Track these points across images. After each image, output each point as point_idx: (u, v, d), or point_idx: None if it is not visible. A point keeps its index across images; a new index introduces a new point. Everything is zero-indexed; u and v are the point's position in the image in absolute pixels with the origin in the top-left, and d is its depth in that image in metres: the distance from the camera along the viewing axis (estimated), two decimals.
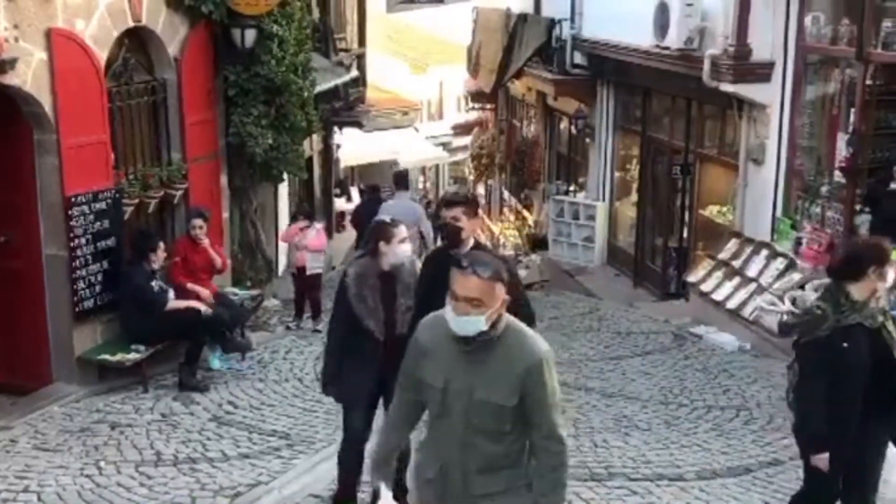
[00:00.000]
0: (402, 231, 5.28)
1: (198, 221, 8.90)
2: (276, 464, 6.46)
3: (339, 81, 15.60)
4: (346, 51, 18.10)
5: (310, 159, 16.93)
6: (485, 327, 3.35)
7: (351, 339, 5.27)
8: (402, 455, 4.46)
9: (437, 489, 3.54)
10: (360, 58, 19.53)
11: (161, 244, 8.44)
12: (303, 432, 7.19)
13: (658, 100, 14.02)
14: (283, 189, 14.06)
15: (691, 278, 11.89)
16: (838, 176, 9.69)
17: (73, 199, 7.81)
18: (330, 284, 15.07)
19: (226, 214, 10.50)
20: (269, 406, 7.84)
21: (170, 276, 8.75)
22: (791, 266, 10.23)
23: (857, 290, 4.47)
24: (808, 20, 10.21)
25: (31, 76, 7.29)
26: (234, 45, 9.88)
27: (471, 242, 5.01)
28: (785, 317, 9.08)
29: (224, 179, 10.40)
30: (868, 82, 9.32)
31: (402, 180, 12.29)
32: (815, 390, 4.46)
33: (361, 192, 29.11)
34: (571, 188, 17.66)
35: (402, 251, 5.28)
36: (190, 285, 8.72)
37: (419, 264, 5.49)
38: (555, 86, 15.93)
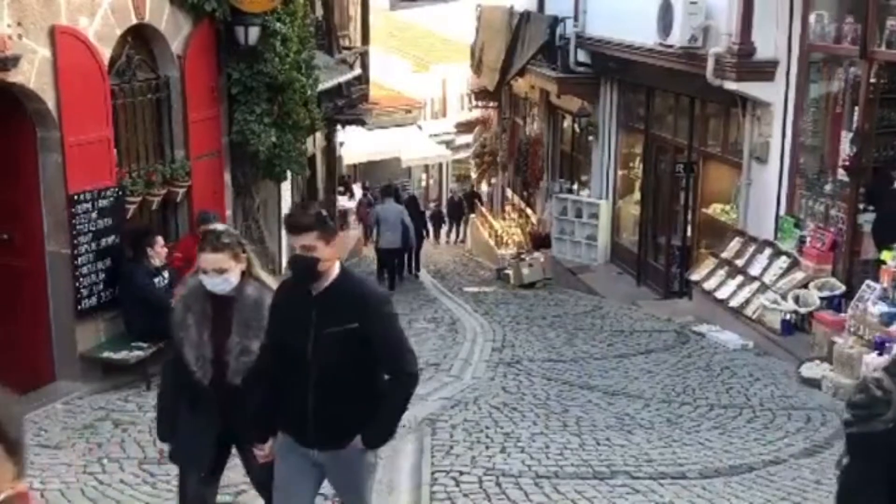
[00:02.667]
0: (214, 258, 4.06)
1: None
2: None
3: (342, 79, 15.60)
4: (349, 48, 18.10)
5: (312, 157, 16.92)
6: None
7: (184, 378, 4.22)
8: None
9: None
10: (364, 55, 19.51)
11: (160, 239, 8.41)
12: None
13: (661, 98, 14.01)
14: (286, 187, 14.05)
15: (694, 277, 11.88)
16: (842, 174, 9.67)
17: (76, 197, 7.82)
18: None
19: (229, 212, 10.51)
20: None
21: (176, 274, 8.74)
22: (794, 265, 10.22)
23: None
24: (811, 18, 10.19)
25: (34, 73, 7.30)
26: (238, 42, 9.88)
27: (334, 272, 3.76)
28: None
29: (227, 177, 10.40)
30: (872, 81, 9.31)
31: (389, 191, 17.26)
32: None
33: (365, 189, 29.20)
34: (574, 186, 17.65)
35: (213, 281, 4.09)
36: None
37: (268, 299, 4.13)
38: (558, 84, 15.92)
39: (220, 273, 4.06)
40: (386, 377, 3.80)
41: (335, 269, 3.78)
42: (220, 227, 4.29)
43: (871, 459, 2.88)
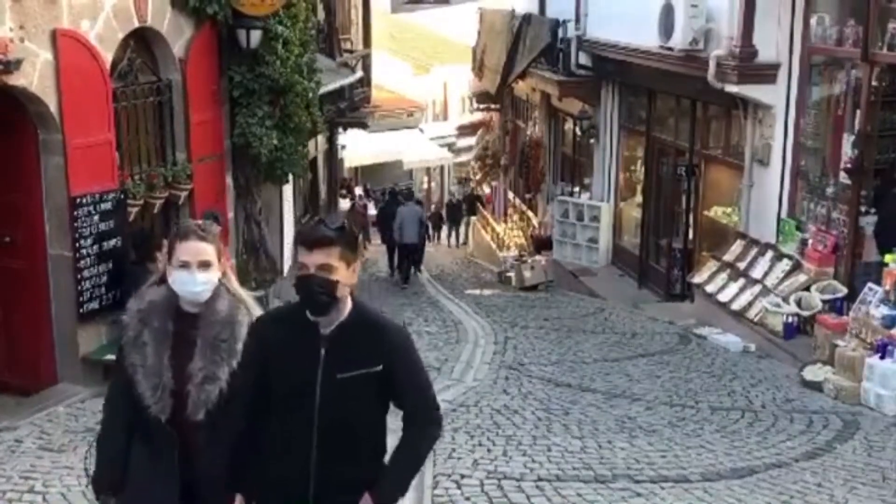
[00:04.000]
0: (199, 247, 3.37)
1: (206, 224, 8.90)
2: None
3: (343, 82, 15.61)
4: (350, 51, 18.12)
5: (314, 160, 16.94)
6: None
7: (137, 414, 3.40)
8: None
9: None
10: (365, 58, 19.54)
11: (165, 241, 8.40)
12: None
13: (663, 101, 14.01)
14: (288, 189, 14.06)
15: (696, 279, 11.88)
16: (843, 177, 9.67)
17: (78, 200, 7.81)
18: None
19: (231, 215, 10.51)
20: None
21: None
22: (796, 267, 10.21)
23: None
24: (813, 21, 10.20)
25: (36, 77, 7.30)
26: (240, 45, 9.89)
27: (348, 304, 3.15)
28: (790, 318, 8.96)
29: (229, 180, 10.41)
30: (873, 83, 9.31)
31: (409, 195, 20.74)
32: None
33: (366, 192, 29.23)
34: (576, 189, 17.65)
35: (194, 278, 3.35)
36: None
37: (246, 317, 3.43)
38: (559, 86, 15.94)
39: (205, 268, 3.35)
40: (403, 423, 3.21)
41: (348, 303, 3.16)
42: (206, 222, 3.67)
43: None
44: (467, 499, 5.55)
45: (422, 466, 3.43)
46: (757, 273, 10.71)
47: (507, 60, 17.71)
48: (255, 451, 3.20)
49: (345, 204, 23.29)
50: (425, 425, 3.22)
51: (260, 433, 3.20)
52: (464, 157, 34.75)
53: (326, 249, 3.04)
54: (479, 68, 21.32)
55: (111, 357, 8.04)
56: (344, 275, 3.07)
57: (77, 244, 7.86)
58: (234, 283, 3.53)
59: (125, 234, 8.40)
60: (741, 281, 10.90)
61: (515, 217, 21.74)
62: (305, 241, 3.08)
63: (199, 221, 3.60)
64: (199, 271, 3.35)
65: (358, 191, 28.85)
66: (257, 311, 3.48)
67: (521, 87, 20.09)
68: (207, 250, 3.38)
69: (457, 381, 8.48)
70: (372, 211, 24.68)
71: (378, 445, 3.22)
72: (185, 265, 3.35)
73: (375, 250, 21.83)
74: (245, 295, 3.53)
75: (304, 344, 3.12)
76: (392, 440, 3.24)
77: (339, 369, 3.09)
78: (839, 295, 9.55)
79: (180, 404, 3.34)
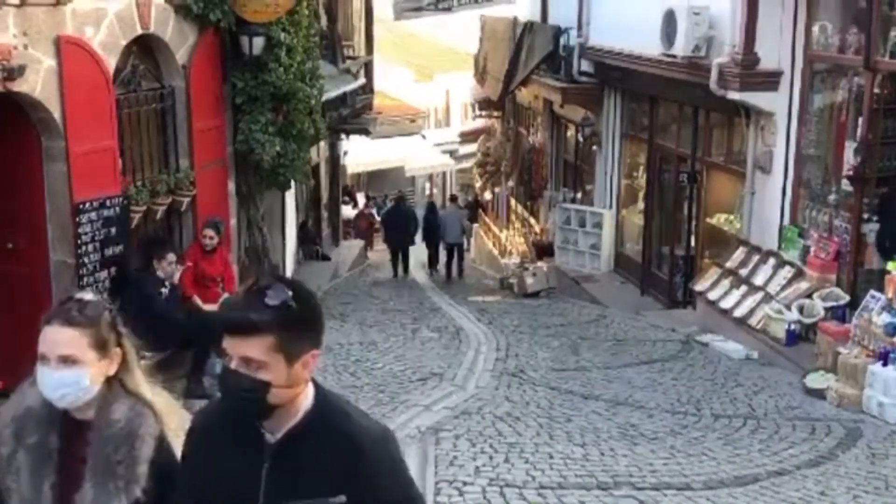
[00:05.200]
0: (62, 336, 2.49)
1: (208, 232, 8.94)
2: None
3: (346, 89, 15.65)
4: (353, 58, 18.16)
5: (317, 166, 16.99)
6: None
7: None
8: None
9: None
10: (368, 65, 19.57)
11: (171, 256, 8.36)
12: None
13: (665, 108, 14.02)
14: (290, 196, 14.09)
15: (698, 286, 11.87)
16: (845, 184, 9.67)
17: (80, 206, 7.83)
18: (337, 293, 15.12)
19: (233, 221, 10.53)
20: None
21: (180, 284, 8.76)
22: (798, 275, 10.21)
23: None
24: (815, 29, 10.20)
25: (39, 83, 7.32)
26: (242, 52, 9.92)
27: (304, 403, 2.25)
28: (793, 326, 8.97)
29: (231, 186, 10.43)
30: (875, 91, 9.31)
31: (455, 198, 23.92)
32: None
33: (368, 198, 29.24)
34: (578, 195, 17.66)
35: (51, 378, 2.49)
36: (196, 299, 8.72)
37: (153, 428, 2.53)
38: (561, 93, 15.94)
39: (69, 365, 2.46)
40: None
41: (304, 399, 2.23)
42: (88, 296, 2.64)
43: None
44: None
45: None
46: (759, 280, 10.70)
47: (509, 67, 17.73)
48: None
49: (347, 210, 23.33)
50: None
51: None
52: (466, 164, 34.78)
53: (253, 339, 2.13)
54: (481, 75, 21.34)
55: None
56: (279, 373, 2.14)
57: (79, 251, 7.87)
58: (138, 381, 2.61)
59: (128, 241, 8.42)
60: (743, 288, 10.89)
61: (517, 224, 21.74)
62: (225, 324, 2.20)
63: (85, 295, 2.63)
64: (58, 369, 2.47)
65: (360, 198, 28.87)
66: (173, 420, 2.59)
67: (524, 94, 20.11)
68: (74, 341, 2.48)
69: (459, 388, 8.47)
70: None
71: None
72: (41, 359, 2.49)
73: (380, 256, 21.91)
74: (154, 397, 2.61)
75: (240, 458, 2.23)
76: None
77: (285, 495, 2.19)
78: (841, 302, 9.54)
79: None
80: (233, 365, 2.15)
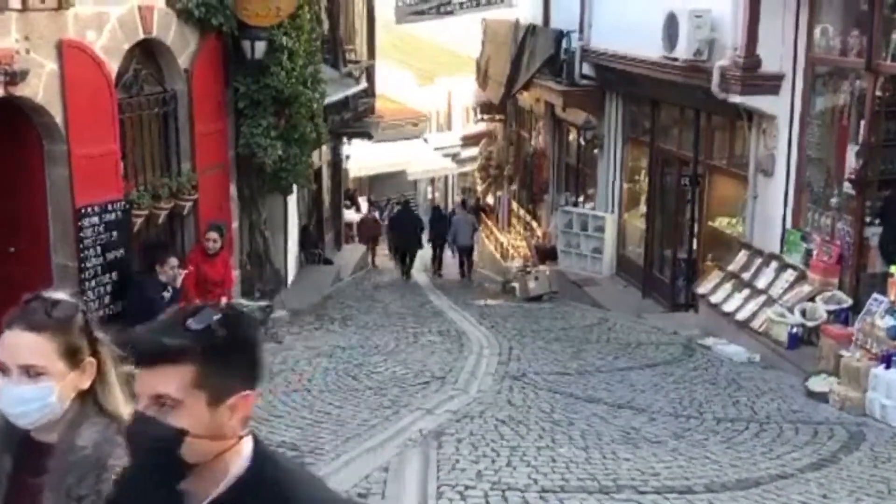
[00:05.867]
0: (24, 343, 2.11)
1: (212, 235, 8.96)
2: None
3: (348, 92, 15.65)
4: (355, 62, 18.17)
5: (319, 170, 16.98)
6: None
7: None
8: None
9: None
10: (369, 69, 19.58)
11: (173, 260, 8.36)
12: (311, 443, 7.17)
13: (667, 111, 14.01)
14: (292, 200, 14.09)
15: (700, 290, 11.86)
16: (848, 187, 9.66)
17: (82, 210, 7.84)
18: (337, 295, 15.13)
19: (235, 225, 10.53)
20: (278, 417, 7.83)
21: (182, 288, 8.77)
22: (801, 278, 10.19)
23: None
24: (817, 32, 10.20)
25: (42, 87, 7.33)
26: (244, 56, 9.94)
27: (235, 461, 1.77)
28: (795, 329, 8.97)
29: (233, 190, 10.44)
30: (877, 93, 9.31)
31: (465, 202, 23.88)
32: None
33: (370, 202, 29.24)
34: (580, 199, 17.66)
35: (10, 392, 2.10)
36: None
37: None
38: (563, 97, 15.95)
39: (33, 377, 2.10)
40: None
41: (236, 458, 1.77)
42: (58, 294, 2.28)
43: None
44: None
45: None
46: (761, 283, 10.69)
47: (511, 71, 17.74)
48: None
49: (349, 214, 23.32)
50: None
51: None
52: (468, 168, 34.77)
53: (167, 370, 1.70)
54: (483, 79, 21.35)
55: None
56: (198, 416, 1.70)
57: (81, 254, 7.88)
58: (116, 399, 2.21)
59: (130, 245, 8.42)
60: (746, 291, 10.88)
61: (519, 227, 21.74)
62: (136, 352, 1.77)
63: (55, 294, 2.27)
64: (20, 381, 2.09)
65: (362, 202, 28.87)
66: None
67: (525, 98, 20.11)
68: (40, 348, 2.11)
69: (461, 392, 8.47)
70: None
71: None
72: (1, 369, 2.11)
73: (385, 261, 21.95)
74: (125, 411, 2.14)
75: None
76: None
77: None
78: (844, 305, 9.53)
79: None
80: (141, 406, 1.71)
